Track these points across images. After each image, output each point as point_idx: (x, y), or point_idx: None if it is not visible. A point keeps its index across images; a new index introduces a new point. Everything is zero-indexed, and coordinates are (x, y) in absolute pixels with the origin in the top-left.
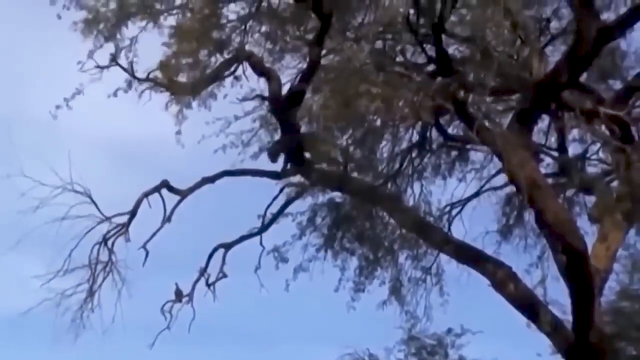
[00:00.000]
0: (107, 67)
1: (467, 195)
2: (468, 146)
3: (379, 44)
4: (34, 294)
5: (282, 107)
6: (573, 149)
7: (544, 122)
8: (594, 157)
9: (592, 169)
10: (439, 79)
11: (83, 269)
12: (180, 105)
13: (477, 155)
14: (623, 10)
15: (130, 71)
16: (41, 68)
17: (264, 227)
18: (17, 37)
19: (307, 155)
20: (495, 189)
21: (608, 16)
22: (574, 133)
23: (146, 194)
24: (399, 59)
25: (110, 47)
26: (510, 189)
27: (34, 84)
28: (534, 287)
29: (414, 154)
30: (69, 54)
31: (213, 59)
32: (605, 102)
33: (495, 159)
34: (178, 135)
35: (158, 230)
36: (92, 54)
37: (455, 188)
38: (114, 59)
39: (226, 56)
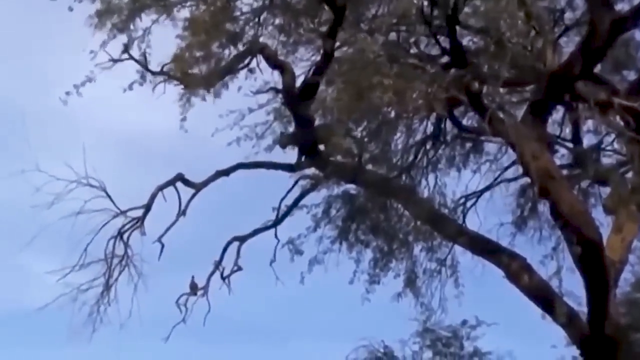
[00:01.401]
0: (120, 60)
1: (481, 186)
2: (482, 138)
3: (392, 35)
4: (50, 290)
5: (296, 100)
6: (587, 140)
7: (558, 113)
8: (608, 148)
9: (606, 160)
10: (453, 70)
11: (99, 264)
12: (191, 97)
13: (491, 147)
14: (637, 1)
15: (144, 63)
16: (56, 62)
17: (279, 220)
18: (32, 32)
19: (322, 147)
20: (510, 180)
21: (622, 7)
22: (589, 124)
23: (161, 188)
24: (413, 50)
25: (123, 40)
26: (525, 180)
27: (49, 78)
28: (549, 278)
29: (428, 146)
30: (84, 49)
31: (227, 52)
32: (619, 93)
33: (510, 151)
34: (183, 122)
35: (173, 223)
36: (104, 45)
37: (469, 180)
38: (126, 50)
39: (240, 49)
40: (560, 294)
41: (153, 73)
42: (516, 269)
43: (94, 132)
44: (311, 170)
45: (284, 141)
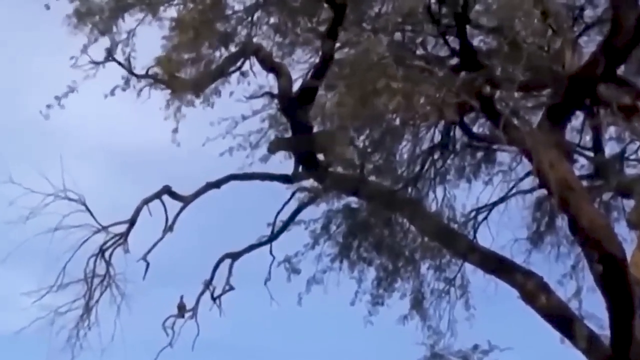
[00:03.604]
0: (103, 63)
1: (494, 199)
2: (495, 146)
3: (397, 35)
4: (25, 312)
5: (293, 105)
6: (610, 148)
7: (577, 119)
8: (632, 156)
9: (630, 170)
10: (463, 73)
11: (78, 284)
12: (181, 104)
13: (504, 156)
14: None
15: (128, 67)
16: (32, 68)
17: (274, 236)
18: (5, 36)
19: (321, 157)
20: (525, 192)
21: None
22: (611, 131)
23: (146, 201)
24: (420, 52)
25: (105, 42)
26: (541, 192)
27: (24, 84)
28: (568, 299)
29: (436, 155)
30: (62, 53)
31: (217, 54)
32: None
33: (525, 160)
34: (175, 133)
35: (159, 240)
36: (86, 49)
37: (481, 192)
38: (109, 54)
39: (232, 50)
40: (580, 316)
41: (137, 77)
42: (532, 289)
43: (72, 141)
44: (309, 182)
45: (273, 146)
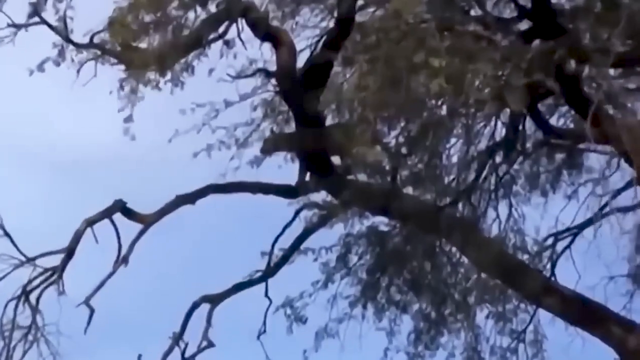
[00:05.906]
0: (26, 26)
1: (580, 220)
2: (582, 146)
3: None
4: None
5: (298, 88)
6: None
7: None
8: None
9: None
10: (537, 42)
11: None
12: (140, 85)
13: (595, 159)
14: None
15: (63, 32)
16: None
17: (271, 270)
18: None
19: (336, 160)
20: (624, 210)
21: None
22: None
23: (90, 222)
24: (475, 12)
25: None
26: None
27: None
28: None
29: (498, 159)
30: None
31: (191, 15)
32: None
33: (625, 165)
34: (128, 122)
35: (109, 276)
36: (1, 5)
37: (561, 210)
38: (36, 12)
39: (211, 10)
40: None
41: (77, 46)
42: (635, 347)
43: None
44: (320, 196)
45: (269, 144)
